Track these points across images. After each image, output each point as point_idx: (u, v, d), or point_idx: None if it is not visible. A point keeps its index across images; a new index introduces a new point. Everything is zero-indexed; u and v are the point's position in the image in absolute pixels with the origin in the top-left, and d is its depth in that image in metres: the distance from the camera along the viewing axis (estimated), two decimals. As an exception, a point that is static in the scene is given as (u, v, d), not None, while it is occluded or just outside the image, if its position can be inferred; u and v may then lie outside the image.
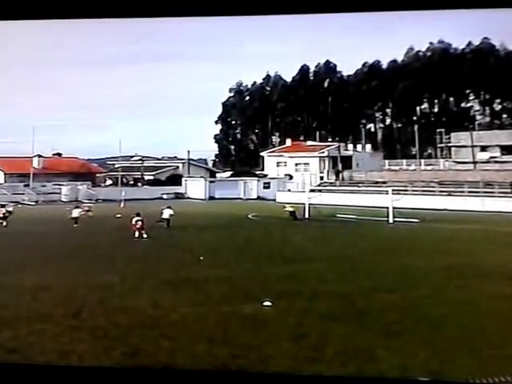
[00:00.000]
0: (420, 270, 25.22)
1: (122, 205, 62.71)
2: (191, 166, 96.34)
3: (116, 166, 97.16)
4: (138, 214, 39.33)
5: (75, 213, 46.95)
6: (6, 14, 3.31)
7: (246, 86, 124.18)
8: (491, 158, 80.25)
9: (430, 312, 17.74)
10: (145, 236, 38.00)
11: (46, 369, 3.89)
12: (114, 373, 3.80)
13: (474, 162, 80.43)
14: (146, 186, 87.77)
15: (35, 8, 3.24)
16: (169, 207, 44.56)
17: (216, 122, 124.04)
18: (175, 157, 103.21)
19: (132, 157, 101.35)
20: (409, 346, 14.38)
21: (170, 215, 43.91)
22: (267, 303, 18.31)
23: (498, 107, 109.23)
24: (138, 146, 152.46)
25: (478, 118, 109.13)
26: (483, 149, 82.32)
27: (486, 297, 19.76)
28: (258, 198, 78.75)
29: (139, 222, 38.70)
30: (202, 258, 28.04)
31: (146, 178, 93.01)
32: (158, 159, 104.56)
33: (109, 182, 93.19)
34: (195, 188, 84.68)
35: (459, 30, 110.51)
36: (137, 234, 38.19)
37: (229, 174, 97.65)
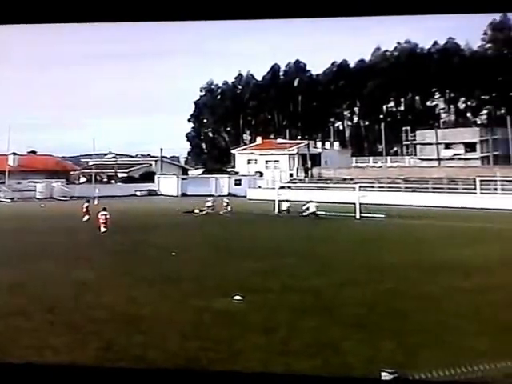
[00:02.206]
0: (386, 265, 25.26)
1: (96, 202, 63.83)
2: (164, 164, 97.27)
3: (90, 163, 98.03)
4: (104, 209, 39.84)
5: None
6: None
7: (217, 84, 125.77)
8: (455, 155, 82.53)
9: (395, 305, 17.90)
10: (103, 230, 38.27)
11: (42, 368, 3.77)
12: (110, 373, 3.72)
13: (439, 159, 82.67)
14: (119, 184, 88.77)
15: (11, 11, 3.22)
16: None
17: (188, 121, 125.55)
18: (148, 154, 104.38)
19: (106, 154, 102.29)
20: (375, 338, 14.46)
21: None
22: (238, 298, 18.27)
23: (462, 106, 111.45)
24: (111, 143, 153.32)
25: (443, 116, 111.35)
26: (447, 146, 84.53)
27: (449, 290, 19.97)
28: (229, 194, 79.22)
29: (102, 217, 38.93)
30: (174, 253, 28.12)
31: (120, 175, 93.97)
32: (132, 157, 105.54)
33: (83, 179, 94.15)
34: (168, 185, 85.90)
35: (425, 30, 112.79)
36: (103, 229, 38.37)
37: (201, 171, 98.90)
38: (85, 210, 44.85)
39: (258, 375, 3.76)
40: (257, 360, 12.82)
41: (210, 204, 54.64)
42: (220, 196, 73.98)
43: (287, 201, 54.95)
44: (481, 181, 63.38)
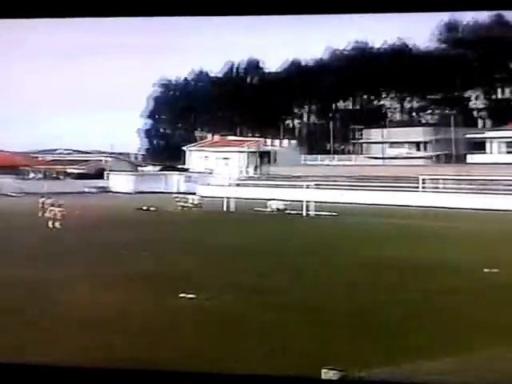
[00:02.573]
0: (335, 261, 26.36)
1: (45, 198, 63.80)
2: (116, 160, 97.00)
3: (41, 159, 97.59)
4: (59, 205, 40.36)
5: None
6: None
7: (171, 80, 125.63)
8: (400, 153, 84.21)
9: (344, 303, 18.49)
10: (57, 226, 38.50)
11: (40, 370, 3.70)
12: (108, 374, 3.67)
13: (384, 158, 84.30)
14: (70, 180, 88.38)
15: None
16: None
17: (141, 117, 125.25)
18: (99, 151, 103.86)
19: (57, 150, 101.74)
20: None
21: None
22: (190, 296, 18.74)
23: (408, 105, 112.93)
24: (63, 139, 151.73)
25: (390, 115, 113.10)
26: (393, 145, 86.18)
27: (395, 289, 20.57)
28: (180, 191, 79.43)
29: (58, 213, 39.31)
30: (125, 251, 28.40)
31: (71, 171, 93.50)
32: (83, 153, 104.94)
33: (34, 175, 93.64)
34: (119, 182, 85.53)
35: (376, 30, 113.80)
36: (57, 225, 38.46)
37: (152, 168, 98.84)
38: (41, 205, 44.68)
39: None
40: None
41: (196, 202, 55.12)
42: (171, 193, 74.53)
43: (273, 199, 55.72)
44: (424, 179, 64.96)
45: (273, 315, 16.95)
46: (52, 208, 40.15)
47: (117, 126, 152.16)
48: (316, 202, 52.77)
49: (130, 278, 22.31)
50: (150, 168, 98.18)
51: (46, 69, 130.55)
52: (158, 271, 23.77)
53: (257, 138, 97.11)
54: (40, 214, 43.15)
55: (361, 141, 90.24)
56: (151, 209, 54.11)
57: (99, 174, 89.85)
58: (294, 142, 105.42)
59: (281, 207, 52.54)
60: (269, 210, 52.88)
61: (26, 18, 3.23)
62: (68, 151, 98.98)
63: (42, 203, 44.93)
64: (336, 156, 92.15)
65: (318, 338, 15.07)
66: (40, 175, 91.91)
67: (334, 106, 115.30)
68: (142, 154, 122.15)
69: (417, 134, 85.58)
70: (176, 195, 58.39)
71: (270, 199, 55.29)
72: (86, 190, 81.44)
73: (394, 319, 16.79)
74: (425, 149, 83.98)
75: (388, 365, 11.22)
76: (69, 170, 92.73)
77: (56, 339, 14.70)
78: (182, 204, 55.17)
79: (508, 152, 76.63)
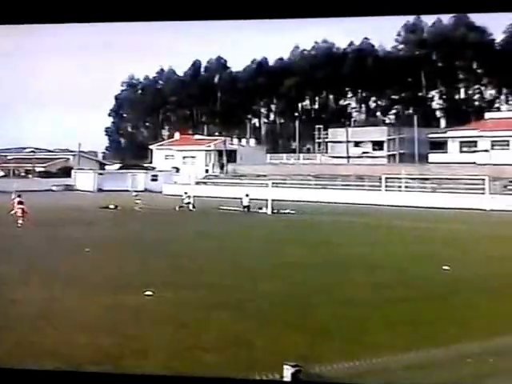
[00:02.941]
0: (292, 257, 26.49)
1: (14, 196, 63.84)
2: (82, 159, 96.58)
3: (8, 157, 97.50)
4: (20, 202, 40.76)
5: None
6: None
7: (139, 79, 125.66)
8: (364, 153, 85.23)
9: (297, 299, 18.68)
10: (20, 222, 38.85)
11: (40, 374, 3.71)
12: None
13: (348, 157, 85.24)
14: (36, 178, 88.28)
15: None
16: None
17: (109, 115, 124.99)
18: (67, 149, 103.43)
19: (24, 148, 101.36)
20: (284, 332, 15.04)
21: None
22: (148, 293, 18.67)
23: (373, 105, 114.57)
24: (30, 137, 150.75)
25: (355, 115, 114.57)
26: (357, 144, 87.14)
27: (349, 284, 20.92)
28: (146, 190, 79.56)
29: (19, 210, 39.73)
30: (87, 249, 28.30)
31: (38, 169, 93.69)
32: (50, 151, 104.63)
33: (1, 173, 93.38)
34: (84, 180, 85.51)
35: (342, 30, 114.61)
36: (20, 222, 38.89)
37: (118, 166, 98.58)
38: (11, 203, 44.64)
39: None
40: (166, 353, 13.30)
41: (187, 200, 55.49)
42: (136, 191, 74.63)
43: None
44: (386, 178, 65.91)
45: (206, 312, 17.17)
46: (19, 206, 40.42)
47: (85, 124, 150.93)
48: (279, 200, 53.61)
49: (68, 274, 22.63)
50: (116, 166, 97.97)
51: (14, 67, 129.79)
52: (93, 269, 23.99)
53: (223, 137, 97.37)
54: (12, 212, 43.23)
55: (326, 140, 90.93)
56: (110, 207, 54.33)
57: (66, 173, 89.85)
58: (259, 141, 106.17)
59: (246, 204, 53.22)
60: (232, 208, 53.53)
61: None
62: (35, 150, 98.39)
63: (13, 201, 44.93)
64: (301, 155, 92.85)
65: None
66: (1, 173, 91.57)
67: (299, 105, 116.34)
68: (109, 153, 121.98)
69: (378, 133, 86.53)
70: (136, 193, 58.71)
71: (236, 198, 55.75)
72: (54, 188, 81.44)
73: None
74: (388, 148, 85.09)
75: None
76: (37, 169, 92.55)
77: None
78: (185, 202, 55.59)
79: (466, 152, 77.97)
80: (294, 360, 9.06)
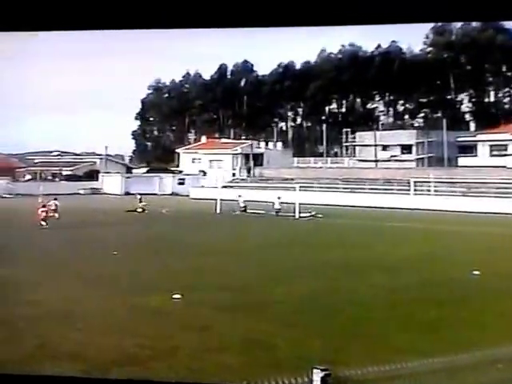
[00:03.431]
0: (319, 262, 26.32)
1: (40, 200, 64.05)
2: (108, 162, 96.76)
3: (35, 161, 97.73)
4: (44, 206, 42.12)
5: None
6: None
7: (165, 83, 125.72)
8: (392, 156, 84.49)
9: (325, 303, 18.61)
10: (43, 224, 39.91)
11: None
12: None
13: (376, 161, 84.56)
14: (63, 181, 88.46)
15: None
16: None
17: (135, 119, 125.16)
18: (93, 152, 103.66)
19: (51, 152, 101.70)
20: (304, 335, 14.98)
21: None
22: (177, 296, 18.58)
23: (401, 108, 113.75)
24: (56, 141, 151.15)
25: (382, 118, 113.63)
26: (385, 148, 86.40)
27: (376, 288, 20.87)
28: (173, 193, 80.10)
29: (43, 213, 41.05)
30: (115, 252, 28.34)
31: (64, 173, 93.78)
32: (77, 155, 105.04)
33: (28, 176, 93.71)
34: (111, 183, 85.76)
35: (370, 33, 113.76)
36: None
37: (145, 170, 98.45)
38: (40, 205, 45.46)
39: None
40: (190, 356, 13.29)
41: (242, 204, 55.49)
42: (163, 195, 74.76)
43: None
44: (415, 182, 65.31)
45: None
46: (43, 208, 41.61)
47: (111, 127, 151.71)
48: (307, 204, 53.04)
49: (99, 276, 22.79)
50: (143, 170, 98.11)
51: (41, 71, 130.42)
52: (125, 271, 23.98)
53: (249, 141, 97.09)
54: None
55: (353, 143, 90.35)
56: (138, 210, 54.64)
57: (93, 176, 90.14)
58: (286, 144, 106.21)
59: (278, 207, 53.00)
60: (259, 211, 53.38)
61: (30, 30, 3.30)
62: (62, 153, 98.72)
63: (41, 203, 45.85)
64: (329, 159, 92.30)
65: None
66: (29, 176, 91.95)
67: (326, 109, 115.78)
68: (136, 156, 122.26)
69: (406, 136, 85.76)
70: (140, 196, 58.07)
71: (263, 201, 55.55)
72: (81, 191, 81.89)
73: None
74: (417, 152, 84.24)
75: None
76: (64, 172, 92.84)
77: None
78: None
79: (496, 155, 76.96)
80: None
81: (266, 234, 40.13)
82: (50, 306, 17.48)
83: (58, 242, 33.85)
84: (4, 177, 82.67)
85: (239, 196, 55.93)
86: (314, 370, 9.74)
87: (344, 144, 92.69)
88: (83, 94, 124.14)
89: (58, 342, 14.19)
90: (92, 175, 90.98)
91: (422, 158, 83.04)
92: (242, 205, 55.06)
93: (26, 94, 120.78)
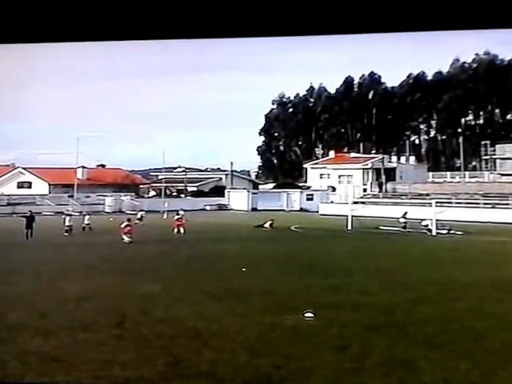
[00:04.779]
0: (461, 283, 24.65)
1: (165, 216, 63.36)
2: (234, 178, 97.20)
3: (159, 177, 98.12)
4: (128, 220, 43.58)
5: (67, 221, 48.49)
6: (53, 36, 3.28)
7: (289, 97, 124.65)
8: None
9: (472, 324, 17.39)
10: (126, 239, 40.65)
11: None
12: None
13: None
14: (189, 198, 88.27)
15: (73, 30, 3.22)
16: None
17: (259, 134, 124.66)
18: (218, 168, 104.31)
19: (175, 168, 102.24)
20: (450, 358, 14.10)
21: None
22: (309, 314, 17.90)
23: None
24: (181, 157, 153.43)
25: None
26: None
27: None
28: (301, 209, 79.15)
29: (128, 227, 41.96)
30: (244, 269, 27.69)
31: (190, 189, 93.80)
32: (201, 171, 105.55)
33: (152, 193, 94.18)
34: (238, 199, 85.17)
35: (506, 42, 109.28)
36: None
37: (271, 185, 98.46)
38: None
39: None
40: (327, 377, 12.76)
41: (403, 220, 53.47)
42: (291, 211, 73.25)
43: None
44: None
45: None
46: (128, 222, 42.92)
47: (235, 143, 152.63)
48: (444, 220, 50.86)
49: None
50: (270, 186, 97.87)
51: (164, 87, 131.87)
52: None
53: (380, 155, 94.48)
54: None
55: (493, 156, 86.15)
56: (265, 226, 53.78)
57: (219, 192, 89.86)
58: (419, 158, 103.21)
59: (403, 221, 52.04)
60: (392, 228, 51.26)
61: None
62: (186, 169, 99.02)
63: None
64: (467, 173, 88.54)
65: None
66: (153, 193, 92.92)
67: (462, 120, 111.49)
68: (262, 172, 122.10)
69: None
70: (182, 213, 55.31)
71: (396, 218, 52.82)
72: (207, 207, 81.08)
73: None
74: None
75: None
76: (189, 188, 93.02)
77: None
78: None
79: None
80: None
81: (405, 252, 38.26)
82: (183, 324, 17.39)
83: (183, 258, 34.27)
84: (128, 193, 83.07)
85: (405, 212, 53.72)
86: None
87: (483, 157, 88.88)
88: (206, 109, 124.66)
89: (191, 360, 13.90)
90: (218, 191, 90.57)
91: None
92: (402, 220, 52.95)
93: (148, 110, 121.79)
